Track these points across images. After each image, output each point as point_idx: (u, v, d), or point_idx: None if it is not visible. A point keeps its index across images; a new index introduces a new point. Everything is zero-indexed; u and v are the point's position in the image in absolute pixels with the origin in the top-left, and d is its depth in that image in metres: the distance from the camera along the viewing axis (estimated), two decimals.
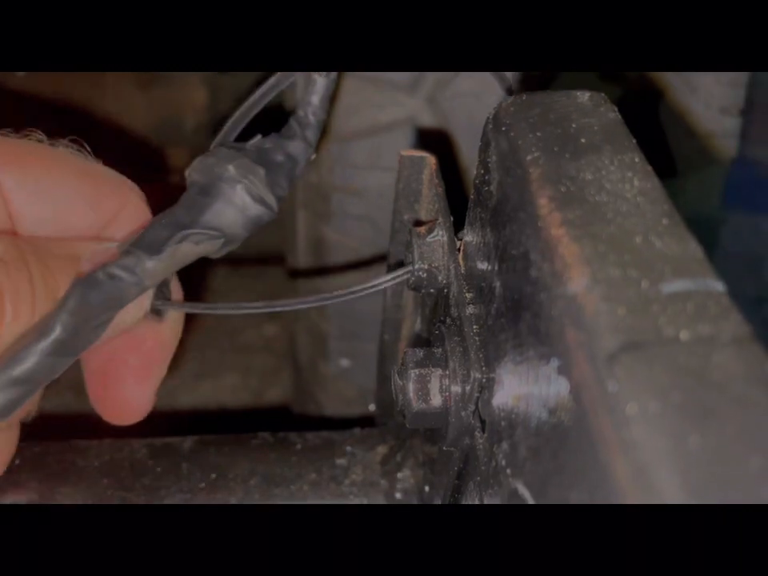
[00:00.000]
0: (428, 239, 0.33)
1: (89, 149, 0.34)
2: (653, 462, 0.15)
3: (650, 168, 0.23)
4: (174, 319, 0.36)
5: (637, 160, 0.23)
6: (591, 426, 0.17)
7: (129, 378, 0.36)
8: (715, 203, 0.75)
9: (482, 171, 0.28)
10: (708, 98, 0.66)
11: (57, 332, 0.29)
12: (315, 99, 0.36)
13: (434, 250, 0.33)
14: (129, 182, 0.35)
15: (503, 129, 0.26)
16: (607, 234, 0.21)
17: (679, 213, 0.23)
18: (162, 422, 0.49)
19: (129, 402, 0.36)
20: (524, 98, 0.26)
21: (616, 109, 0.26)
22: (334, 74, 0.37)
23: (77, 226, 0.33)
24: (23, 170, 0.32)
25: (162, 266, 0.31)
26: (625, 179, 0.23)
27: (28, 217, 0.32)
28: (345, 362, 0.67)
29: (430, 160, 0.37)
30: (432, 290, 0.34)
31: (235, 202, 0.33)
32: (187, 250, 0.32)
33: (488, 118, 0.27)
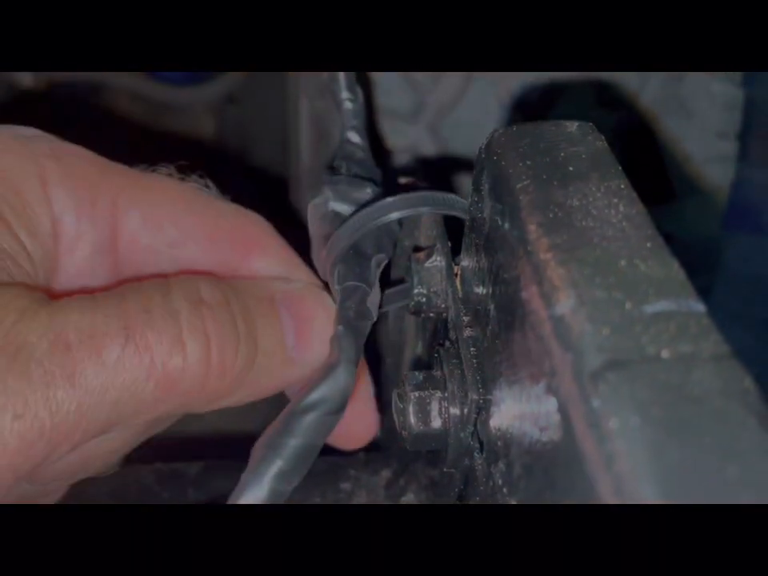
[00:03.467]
0: (427, 264, 0.34)
1: (213, 184, 0.35)
2: (633, 474, 0.16)
3: (635, 194, 0.24)
4: None
5: (623, 186, 0.24)
6: (577, 442, 0.18)
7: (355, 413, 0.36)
8: (716, 226, 0.76)
9: (476, 198, 0.29)
10: (704, 123, 0.67)
11: (344, 382, 0.28)
12: (356, 122, 0.39)
13: (433, 274, 0.34)
14: (259, 219, 0.35)
15: (495, 158, 0.27)
16: (593, 258, 0.21)
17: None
18: (169, 448, 0.50)
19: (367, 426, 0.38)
20: (515, 128, 0.27)
21: (603, 138, 0.27)
22: (360, 96, 0.40)
23: (196, 262, 0.34)
24: (143, 200, 0.33)
25: (378, 296, 0.32)
26: (611, 205, 0.23)
27: (141, 246, 0.33)
28: None
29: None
30: (432, 314, 0.35)
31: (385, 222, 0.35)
32: (378, 275, 0.33)
33: (480, 147, 0.28)
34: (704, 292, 0.72)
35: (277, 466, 0.27)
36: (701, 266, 0.71)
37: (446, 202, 0.33)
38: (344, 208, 0.35)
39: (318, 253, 0.35)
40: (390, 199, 0.33)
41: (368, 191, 0.35)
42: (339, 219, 0.34)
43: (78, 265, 0.32)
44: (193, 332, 0.28)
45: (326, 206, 0.35)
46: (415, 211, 0.33)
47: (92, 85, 0.98)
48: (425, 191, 0.33)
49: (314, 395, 0.28)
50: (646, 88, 0.65)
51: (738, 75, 0.68)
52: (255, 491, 0.27)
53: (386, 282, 0.35)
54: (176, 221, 0.33)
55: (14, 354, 0.25)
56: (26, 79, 0.97)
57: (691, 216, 0.71)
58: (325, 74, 0.42)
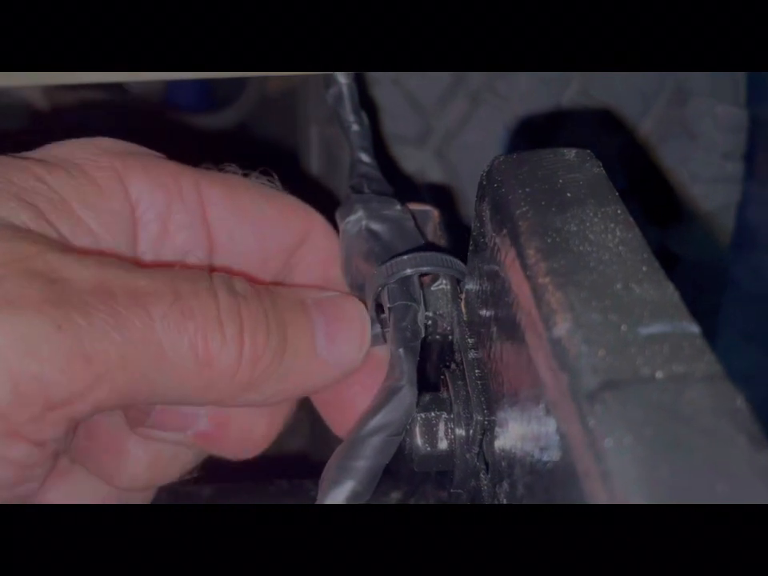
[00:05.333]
0: (432, 288, 0.35)
1: (276, 179, 0.37)
2: (625, 491, 0.17)
3: (631, 219, 0.25)
4: None
5: (619, 212, 0.25)
6: (575, 461, 0.19)
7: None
8: (724, 245, 0.77)
9: (478, 224, 0.29)
10: (709, 144, 0.68)
11: (408, 405, 0.29)
12: (365, 143, 0.42)
13: (439, 298, 0.35)
14: (311, 209, 0.37)
15: (495, 185, 0.27)
16: (590, 282, 0.22)
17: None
18: None
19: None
20: (515, 155, 0.28)
21: (600, 164, 0.27)
22: (366, 119, 0.42)
23: (269, 248, 0.36)
24: (234, 201, 0.34)
25: (423, 312, 0.33)
26: (607, 230, 0.24)
27: (232, 242, 0.35)
28: None
29: (434, 213, 0.39)
30: (438, 336, 0.36)
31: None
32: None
33: (482, 174, 0.29)
34: (712, 312, 0.72)
35: (350, 486, 0.28)
36: (709, 286, 0.71)
37: None
38: (378, 226, 0.37)
39: (350, 265, 0.37)
40: (459, 263, 0.34)
41: (397, 208, 0.37)
42: (374, 236, 0.36)
43: (178, 248, 0.33)
44: (229, 314, 0.28)
45: (360, 223, 0.37)
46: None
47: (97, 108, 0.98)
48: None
49: (380, 418, 0.29)
50: (650, 111, 0.66)
51: (742, 96, 0.68)
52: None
53: None
54: (255, 215, 0.35)
55: (53, 280, 0.24)
56: (35, 95, 0.96)
57: (699, 236, 0.71)
58: (330, 98, 0.44)
